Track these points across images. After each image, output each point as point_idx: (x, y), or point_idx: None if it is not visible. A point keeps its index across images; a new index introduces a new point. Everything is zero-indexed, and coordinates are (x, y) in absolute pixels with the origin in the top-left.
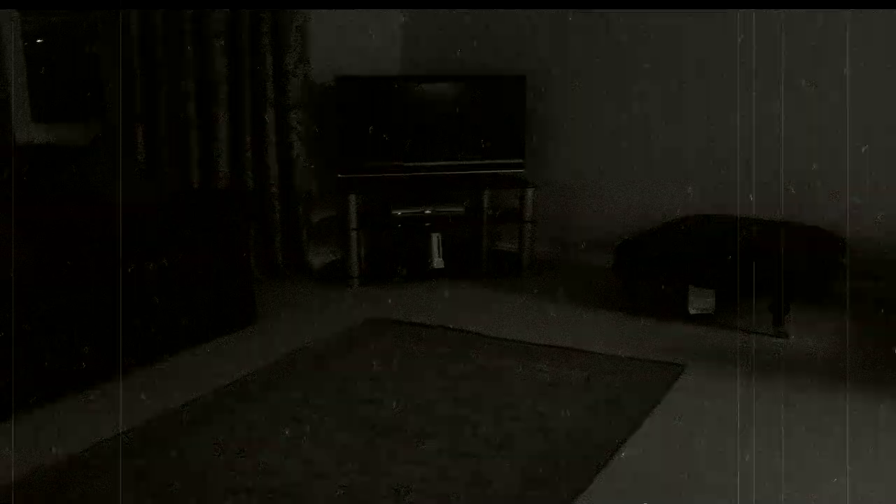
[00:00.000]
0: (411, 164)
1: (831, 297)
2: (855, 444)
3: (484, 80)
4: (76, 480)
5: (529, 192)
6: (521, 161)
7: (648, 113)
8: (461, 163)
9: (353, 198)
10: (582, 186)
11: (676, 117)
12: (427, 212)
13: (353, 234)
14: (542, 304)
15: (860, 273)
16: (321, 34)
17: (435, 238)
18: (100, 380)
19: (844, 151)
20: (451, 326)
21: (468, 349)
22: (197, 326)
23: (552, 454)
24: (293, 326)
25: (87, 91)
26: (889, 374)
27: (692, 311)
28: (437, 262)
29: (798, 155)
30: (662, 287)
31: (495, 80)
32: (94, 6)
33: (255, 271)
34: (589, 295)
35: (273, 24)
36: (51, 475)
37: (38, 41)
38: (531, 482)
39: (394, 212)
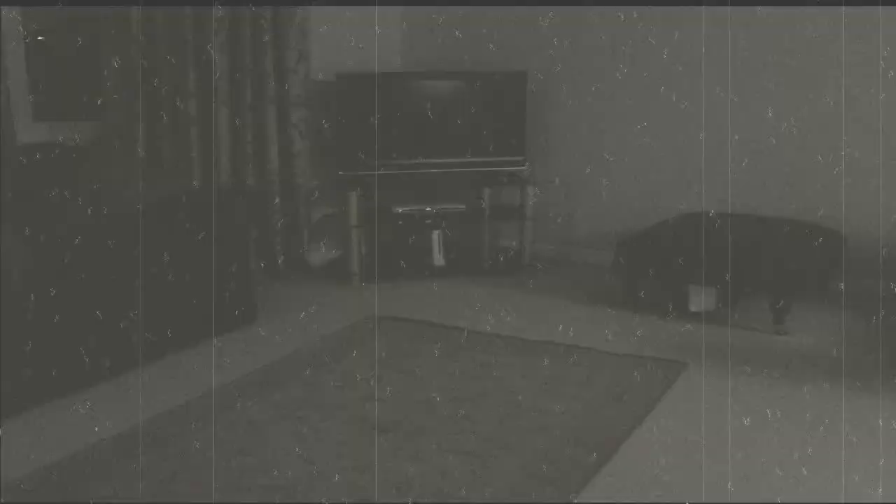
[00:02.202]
0: (412, 161)
1: (831, 295)
2: (855, 441)
3: (485, 77)
4: (76, 479)
5: (530, 189)
6: (521, 158)
7: (649, 111)
8: (462, 160)
9: (353, 195)
10: (582, 184)
11: (677, 115)
12: (428, 209)
13: (354, 232)
14: (543, 302)
15: (860, 270)
16: (322, 31)
17: (436, 235)
18: (100, 378)
19: (846, 146)
20: (451, 324)
21: (469, 346)
22: (197, 324)
23: (553, 452)
24: (294, 324)
25: (88, 89)
26: (889, 371)
27: (692, 309)
28: (438, 259)
29: (798, 152)
30: (663, 284)
31: (496, 77)
32: (97, 2)
33: (256, 269)
34: (590, 292)
35: (274, 21)
36: (50, 474)
37: (39, 38)
38: (532, 480)
39: (395, 209)
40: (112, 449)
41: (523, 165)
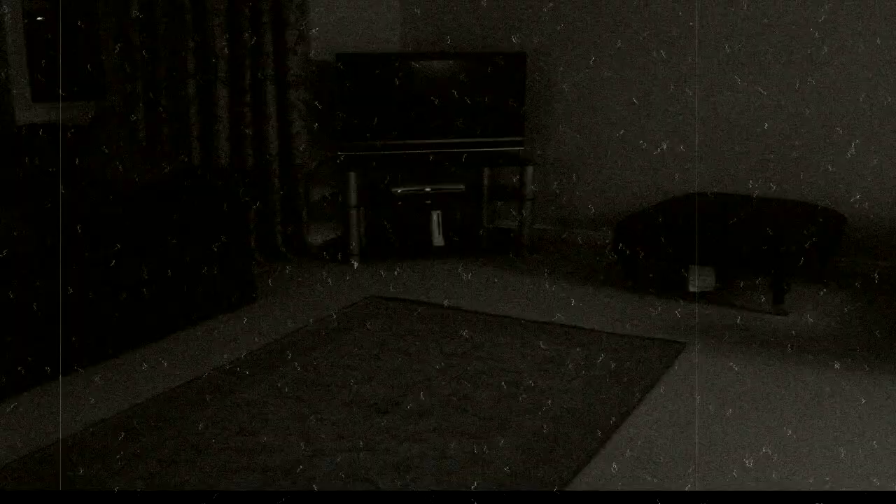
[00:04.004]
0: (411, 141)
1: (831, 275)
2: (854, 421)
3: (484, 57)
4: (77, 459)
5: (529, 169)
6: (520, 139)
7: (649, 90)
8: (461, 140)
9: (353, 175)
10: (582, 164)
11: (677, 94)
12: (427, 189)
13: (353, 212)
14: (542, 282)
15: (860, 250)
16: (321, 11)
17: (435, 216)
18: (100, 358)
19: (846, 127)
20: (450, 304)
21: (468, 326)
22: (197, 305)
23: (552, 432)
24: (293, 305)
25: (87, 70)
26: (888, 351)
27: (692, 289)
28: (437, 239)
29: (798, 131)
30: (662, 264)
31: (496, 57)
32: None
33: (255, 249)
34: (588, 272)
35: (273, 1)
36: (50, 454)
37: (39, 19)
38: (531, 460)
39: (394, 189)
40: (110, 429)
41: (522, 146)
